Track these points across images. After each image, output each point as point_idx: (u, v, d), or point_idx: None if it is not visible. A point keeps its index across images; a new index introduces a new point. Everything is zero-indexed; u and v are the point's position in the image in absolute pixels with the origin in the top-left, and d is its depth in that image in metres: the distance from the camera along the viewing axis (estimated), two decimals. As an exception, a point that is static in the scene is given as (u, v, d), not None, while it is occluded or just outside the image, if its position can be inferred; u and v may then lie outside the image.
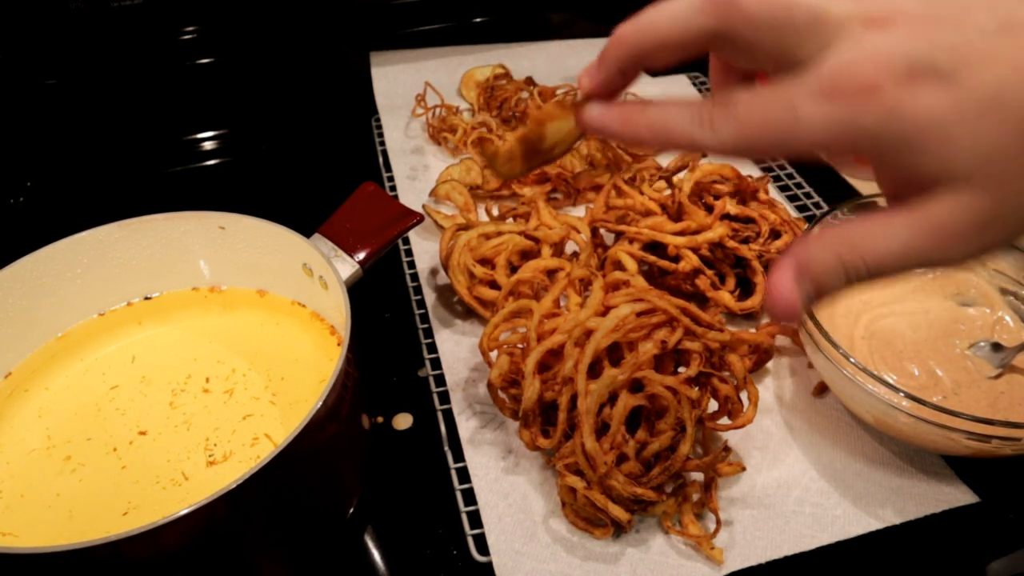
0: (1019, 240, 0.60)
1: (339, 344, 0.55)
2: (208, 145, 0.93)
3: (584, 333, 0.50)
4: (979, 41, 0.25)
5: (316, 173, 0.88)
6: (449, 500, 0.53)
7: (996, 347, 0.56)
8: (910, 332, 0.58)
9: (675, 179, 0.68)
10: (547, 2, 1.08)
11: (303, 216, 0.58)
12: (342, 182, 0.64)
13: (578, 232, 0.66)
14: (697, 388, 0.50)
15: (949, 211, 0.26)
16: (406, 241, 0.74)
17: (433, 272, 0.71)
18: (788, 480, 0.53)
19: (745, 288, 0.64)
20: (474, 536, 0.50)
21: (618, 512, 0.47)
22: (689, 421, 0.48)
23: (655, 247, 0.63)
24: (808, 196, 0.79)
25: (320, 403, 0.41)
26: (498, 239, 0.65)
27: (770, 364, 0.62)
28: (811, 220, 0.60)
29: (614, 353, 0.50)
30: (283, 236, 0.55)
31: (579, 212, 0.77)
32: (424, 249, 0.73)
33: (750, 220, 0.64)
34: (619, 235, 0.65)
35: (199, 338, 0.57)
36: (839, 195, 0.80)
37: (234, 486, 0.37)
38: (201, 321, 0.58)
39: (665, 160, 0.77)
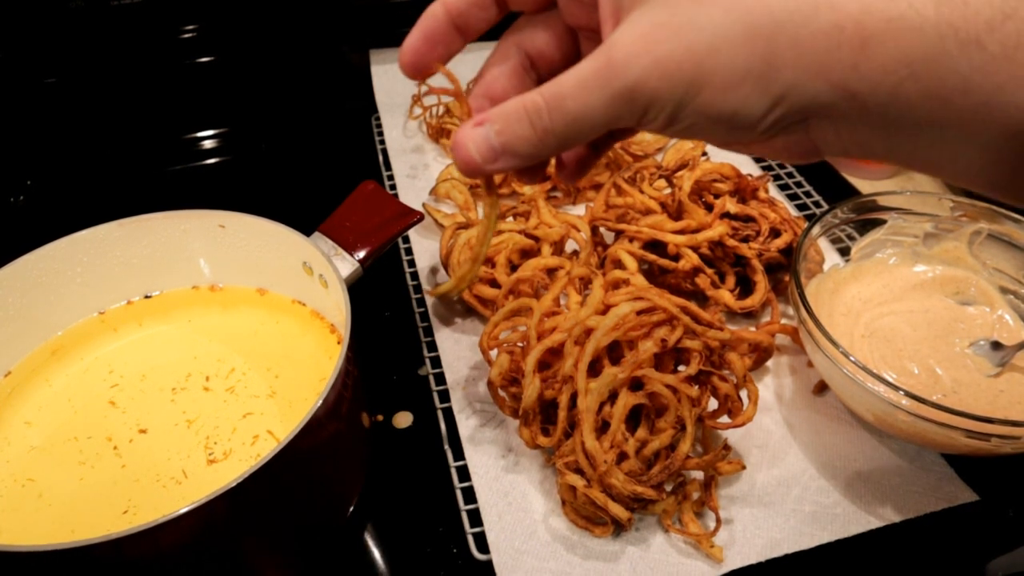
0: (1018, 239, 0.60)
1: (339, 342, 0.55)
2: (208, 144, 0.93)
3: (584, 331, 0.50)
4: None
5: (316, 172, 0.88)
6: (449, 498, 0.53)
7: (996, 346, 0.56)
8: (910, 331, 0.58)
9: (675, 177, 0.68)
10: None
11: (303, 215, 0.58)
12: (342, 181, 0.64)
13: (578, 231, 0.66)
14: (697, 386, 0.50)
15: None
16: (406, 240, 0.74)
17: (433, 271, 0.71)
18: (788, 478, 0.53)
19: (745, 287, 0.64)
20: (474, 534, 0.50)
21: (618, 510, 0.47)
22: (689, 419, 0.48)
23: (655, 246, 0.63)
24: (808, 195, 0.79)
25: (320, 401, 0.41)
26: (498, 238, 0.65)
27: (770, 363, 0.62)
28: (811, 218, 0.60)
29: (614, 351, 0.50)
30: (283, 235, 0.55)
31: (579, 211, 0.77)
32: (424, 248, 0.73)
33: (750, 219, 0.64)
34: (619, 234, 0.65)
35: (199, 337, 0.57)
36: (839, 194, 0.80)
37: (234, 484, 0.37)
38: (201, 320, 0.58)
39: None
